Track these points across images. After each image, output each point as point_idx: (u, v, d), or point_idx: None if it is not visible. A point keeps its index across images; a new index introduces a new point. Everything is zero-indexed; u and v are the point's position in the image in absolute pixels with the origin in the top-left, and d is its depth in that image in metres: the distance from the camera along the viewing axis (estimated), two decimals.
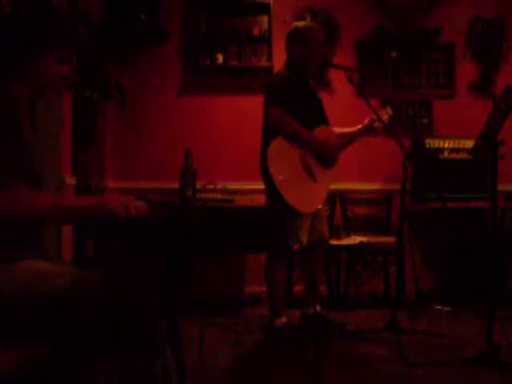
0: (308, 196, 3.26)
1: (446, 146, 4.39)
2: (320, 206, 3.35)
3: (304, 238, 3.28)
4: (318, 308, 3.47)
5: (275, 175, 3.14)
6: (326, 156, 3.34)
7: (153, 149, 4.56)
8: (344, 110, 4.35)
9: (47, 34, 1.57)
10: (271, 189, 3.17)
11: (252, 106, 4.50)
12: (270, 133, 3.24)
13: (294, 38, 3.37)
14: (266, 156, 3.18)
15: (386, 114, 3.63)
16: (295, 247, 3.50)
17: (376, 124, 3.55)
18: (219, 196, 4.15)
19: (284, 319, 3.31)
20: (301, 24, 3.48)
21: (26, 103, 1.59)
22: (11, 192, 1.40)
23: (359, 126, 3.60)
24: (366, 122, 3.59)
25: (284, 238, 3.20)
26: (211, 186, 4.29)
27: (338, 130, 3.55)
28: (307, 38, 3.33)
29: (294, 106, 3.21)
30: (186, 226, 1.40)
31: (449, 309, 4.03)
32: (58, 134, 3.11)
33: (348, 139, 3.58)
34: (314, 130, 3.31)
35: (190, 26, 4.56)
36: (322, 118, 3.44)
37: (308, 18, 4.51)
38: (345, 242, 4.16)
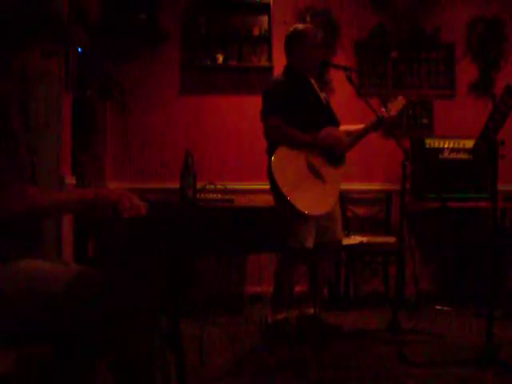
0: (318, 199, 3.18)
1: (446, 146, 4.39)
2: (331, 208, 3.25)
3: (310, 243, 3.20)
4: (316, 310, 3.45)
5: (281, 184, 3.08)
6: (336, 155, 3.26)
7: (153, 149, 4.56)
8: (344, 109, 4.33)
9: (30, 28, 1.54)
10: (279, 196, 3.11)
11: (252, 106, 4.50)
12: (271, 143, 3.22)
13: (294, 40, 3.34)
14: (271, 166, 3.13)
15: (399, 105, 3.43)
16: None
17: (385, 114, 3.36)
18: (219, 196, 4.15)
19: (281, 316, 3.31)
20: (300, 26, 3.45)
21: (16, 101, 1.57)
22: (12, 188, 1.39)
23: (364, 125, 3.44)
24: (375, 120, 3.40)
25: (292, 241, 3.12)
26: (211, 186, 4.29)
27: (342, 128, 3.45)
28: (306, 40, 3.31)
29: (294, 111, 3.18)
30: (186, 226, 1.40)
31: (449, 309, 4.02)
32: (57, 134, 3.11)
33: (355, 137, 3.42)
34: (321, 131, 3.23)
35: (189, 26, 4.56)
36: (329, 119, 3.37)
37: (308, 18, 4.51)
38: (345, 241, 4.15)
